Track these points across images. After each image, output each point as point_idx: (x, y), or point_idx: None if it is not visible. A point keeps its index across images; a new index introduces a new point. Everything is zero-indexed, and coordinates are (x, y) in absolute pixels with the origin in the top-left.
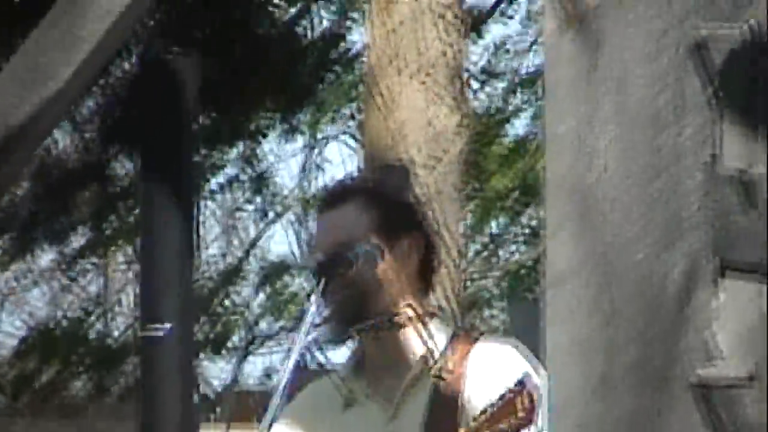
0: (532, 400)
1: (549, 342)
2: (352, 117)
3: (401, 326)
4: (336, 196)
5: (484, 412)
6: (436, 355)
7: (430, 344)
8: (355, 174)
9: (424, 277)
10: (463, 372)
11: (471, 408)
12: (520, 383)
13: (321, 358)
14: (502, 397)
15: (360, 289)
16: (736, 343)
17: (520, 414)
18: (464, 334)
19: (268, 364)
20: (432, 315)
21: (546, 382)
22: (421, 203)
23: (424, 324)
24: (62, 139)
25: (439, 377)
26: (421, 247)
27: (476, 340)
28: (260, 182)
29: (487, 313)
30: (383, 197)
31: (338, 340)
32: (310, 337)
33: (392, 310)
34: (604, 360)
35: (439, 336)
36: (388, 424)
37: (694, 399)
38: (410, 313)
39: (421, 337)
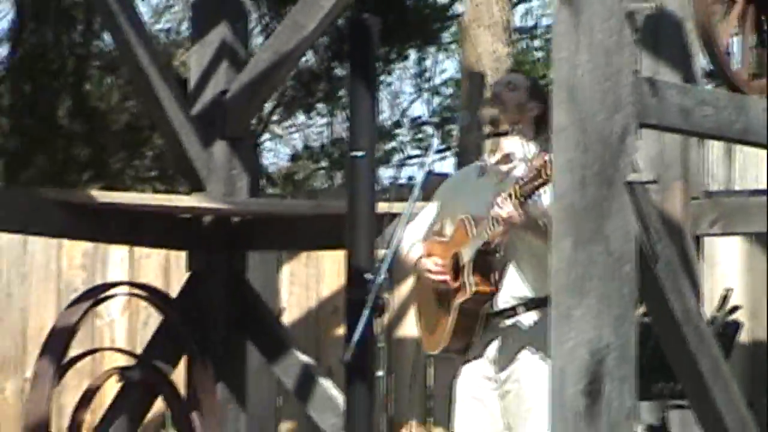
0: (550, 171)
1: (554, 162)
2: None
3: (517, 136)
4: (509, 80)
5: (527, 173)
6: (529, 153)
7: (527, 150)
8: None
9: (538, 125)
10: (543, 164)
11: None
12: (549, 158)
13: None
14: (537, 165)
15: (507, 119)
16: (647, 163)
17: (546, 176)
18: (545, 151)
19: (412, 171)
20: (534, 138)
21: None
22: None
23: (528, 139)
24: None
25: (525, 162)
26: (540, 108)
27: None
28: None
29: None
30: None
31: (486, 137)
32: (432, 158)
33: (515, 130)
34: (581, 169)
35: (533, 148)
36: (498, 185)
37: (627, 192)
38: (522, 131)
39: (523, 146)
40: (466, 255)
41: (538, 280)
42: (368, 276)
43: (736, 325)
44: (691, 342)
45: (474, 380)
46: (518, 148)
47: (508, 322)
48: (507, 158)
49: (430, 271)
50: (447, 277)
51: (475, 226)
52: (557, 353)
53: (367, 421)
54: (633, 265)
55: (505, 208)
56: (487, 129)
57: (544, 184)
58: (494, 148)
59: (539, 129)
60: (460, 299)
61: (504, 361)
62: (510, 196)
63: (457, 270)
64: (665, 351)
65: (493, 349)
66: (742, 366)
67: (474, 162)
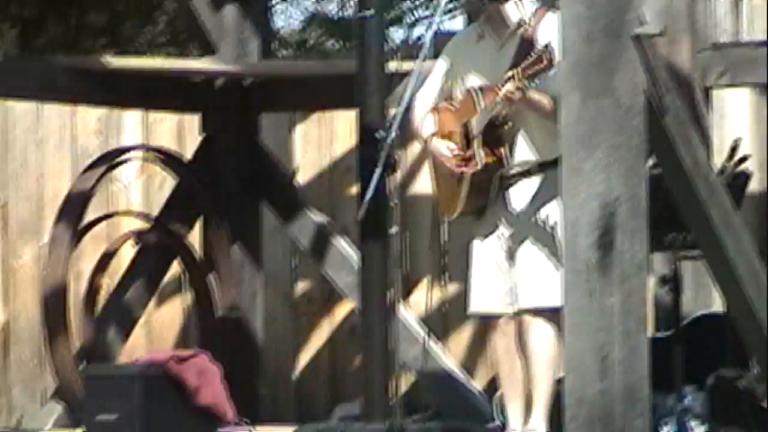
0: (551, 57)
1: (561, 17)
2: None
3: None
4: None
5: (530, 56)
6: (526, 18)
7: (523, 12)
8: None
9: None
10: (537, 27)
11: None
12: (549, 46)
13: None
14: (539, 50)
15: None
16: (654, 16)
17: (547, 61)
18: (542, 9)
19: (421, 31)
20: None
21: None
22: None
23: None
24: None
25: (522, 25)
26: None
27: (547, 11)
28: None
29: None
30: None
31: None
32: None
33: None
34: (588, 23)
35: (529, 7)
36: (498, 50)
37: (634, 46)
38: None
39: (519, 7)
40: (476, 127)
41: (548, 145)
42: (379, 134)
43: (746, 175)
44: (702, 193)
45: (490, 244)
46: (514, 11)
47: (521, 182)
48: (503, 22)
49: (443, 156)
50: (462, 168)
51: (482, 97)
52: (568, 205)
53: (382, 278)
54: (642, 118)
55: (507, 88)
56: None
57: (545, 69)
58: (493, 13)
59: None
60: (471, 170)
61: (515, 226)
62: (512, 78)
63: (468, 138)
64: (676, 202)
65: (504, 224)
66: (752, 216)
67: (471, 25)
